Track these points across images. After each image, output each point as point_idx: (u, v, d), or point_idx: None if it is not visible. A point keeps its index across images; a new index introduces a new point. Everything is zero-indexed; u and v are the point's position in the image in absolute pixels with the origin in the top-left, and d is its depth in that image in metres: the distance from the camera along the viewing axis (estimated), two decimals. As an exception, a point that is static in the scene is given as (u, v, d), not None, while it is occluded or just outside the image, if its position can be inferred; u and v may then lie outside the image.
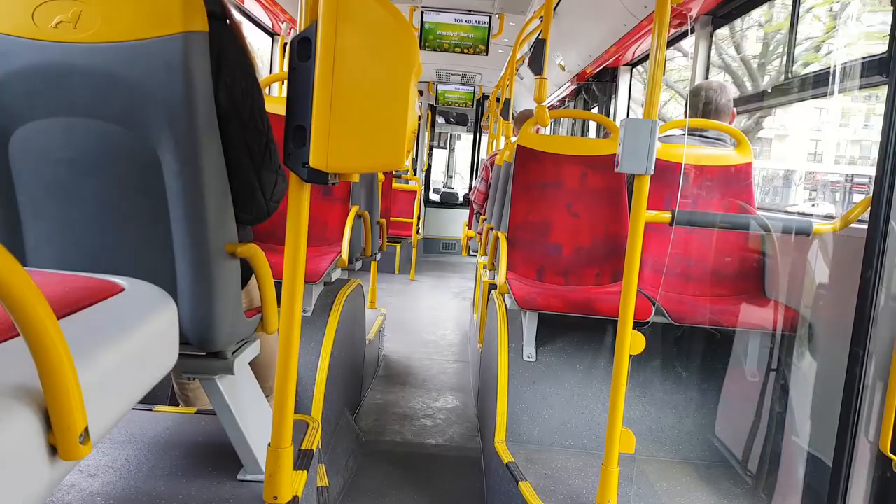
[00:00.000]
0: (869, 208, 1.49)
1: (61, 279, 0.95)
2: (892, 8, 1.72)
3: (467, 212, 7.53)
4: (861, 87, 2.08)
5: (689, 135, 2.76)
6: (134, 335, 0.87)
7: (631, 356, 1.67)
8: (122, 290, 0.97)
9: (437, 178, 12.01)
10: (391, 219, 6.96)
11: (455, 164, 12.52)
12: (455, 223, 9.68)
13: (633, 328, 1.66)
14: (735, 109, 2.79)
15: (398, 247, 7.72)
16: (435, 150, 11.20)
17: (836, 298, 2.03)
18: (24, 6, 1.19)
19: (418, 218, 7.73)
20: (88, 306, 0.88)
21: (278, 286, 1.35)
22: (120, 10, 1.17)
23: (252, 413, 1.55)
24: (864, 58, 2.02)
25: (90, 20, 1.17)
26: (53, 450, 0.68)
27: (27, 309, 0.62)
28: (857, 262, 1.50)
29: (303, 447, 1.76)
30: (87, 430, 0.69)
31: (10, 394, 0.66)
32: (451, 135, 11.93)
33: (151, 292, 1.00)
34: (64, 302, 0.85)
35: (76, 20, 1.18)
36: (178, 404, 2.14)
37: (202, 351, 1.41)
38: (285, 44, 4.55)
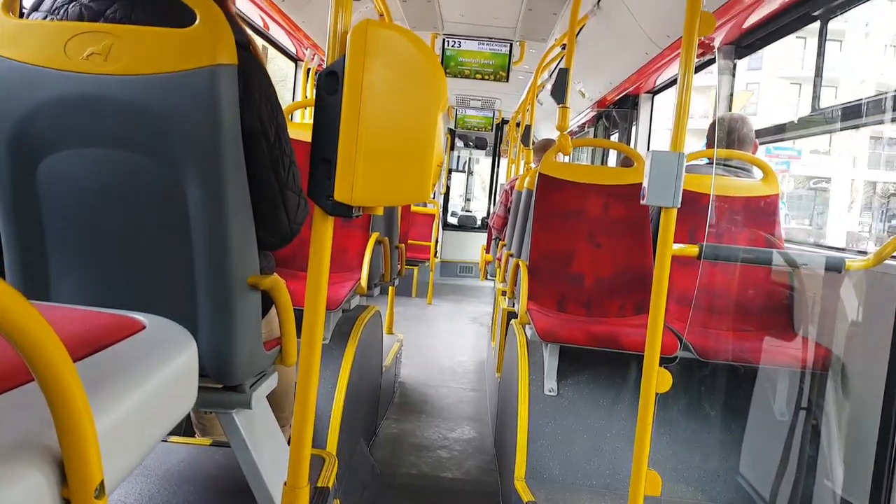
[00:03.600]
0: None
1: (82, 316, 0.93)
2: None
3: (485, 235, 7.51)
4: (893, 121, 2.04)
5: (712, 165, 2.72)
6: (154, 376, 0.84)
7: (657, 393, 1.63)
8: (143, 327, 0.95)
9: (456, 201, 12.01)
10: (409, 242, 6.95)
11: (473, 188, 12.52)
12: (473, 247, 9.65)
13: (660, 365, 1.62)
14: (757, 141, 2.76)
15: (415, 270, 7.69)
16: (454, 174, 11.21)
17: (870, 337, 1.98)
18: (57, 38, 1.20)
19: (436, 241, 7.71)
20: (109, 345, 0.86)
21: (298, 313, 1.33)
22: (150, 42, 1.18)
23: (268, 449, 1.52)
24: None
25: (120, 53, 1.18)
26: (66, 503, 0.65)
27: (41, 354, 0.60)
28: (892, 299, 1.46)
29: (318, 484, 1.72)
30: (102, 483, 0.67)
31: (24, 443, 0.63)
32: (469, 158, 11.95)
33: (172, 330, 0.98)
34: (84, 341, 0.83)
35: (107, 52, 1.18)
36: (193, 432, 2.11)
37: (219, 384, 1.38)
38: (308, 70, 4.58)
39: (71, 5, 1.27)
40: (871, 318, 2.00)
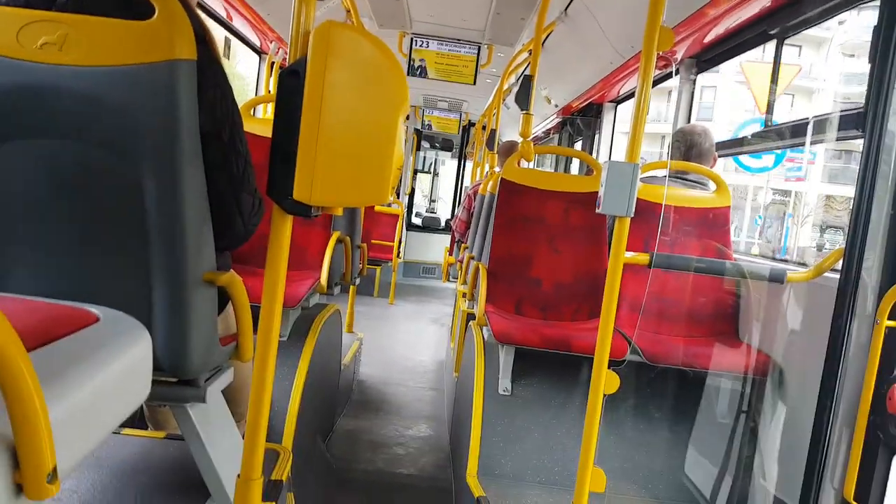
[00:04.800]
0: (842, 259, 1.51)
1: (34, 307, 0.94)
2: (869, 65, 1.76)
3: (449, 237, 7.54)
4: (837, 139, 2.12)
5: (670, 177, 2.79)
6: (107, 368, 0.86)
7: (605, 394, 1.68)
8: (97, 319, 0.96)
9: (421, 202, 12.02)
10: (372, 241, 6.94)
11: (438, 190, 12.54)
12: (436, 248, 9.67)
13: (609, 367, 1.67)
14: (716, 154, 2.83)
15: (378, 269, 7.68)
16: (419, 174, 11.22)
17: (807, 345, 2.06)
18: (9, 26, 1.17)
19: (399, 242, 7.72)
20: (62, 337, 0.87)
21: (255, 309, 1.34)
22: (107, 34, 1.17)
23: (222, 442, 1.53)
24: (841, 111, 2.06)
25: (76, 43, 1.16)
26: (19, 488, 0.67)
27: None
28: (829, 310, 1.53)
29: (272, 477, 1.74)
30: (55, 468, 0.68)
31: None
32: (436, 160, 11.97)
33: (126, 322, 0.99)
34: (36, 332, 0.84)
35: (62, 42, 1.17)
36: (147, 426, 2.11)
37: (174, 378, 1.39)
38: (272, 63, 4.55)
39: None
40: (808, 327, 2.08)
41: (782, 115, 2.74)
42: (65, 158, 1.23)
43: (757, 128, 2.88)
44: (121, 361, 0.89)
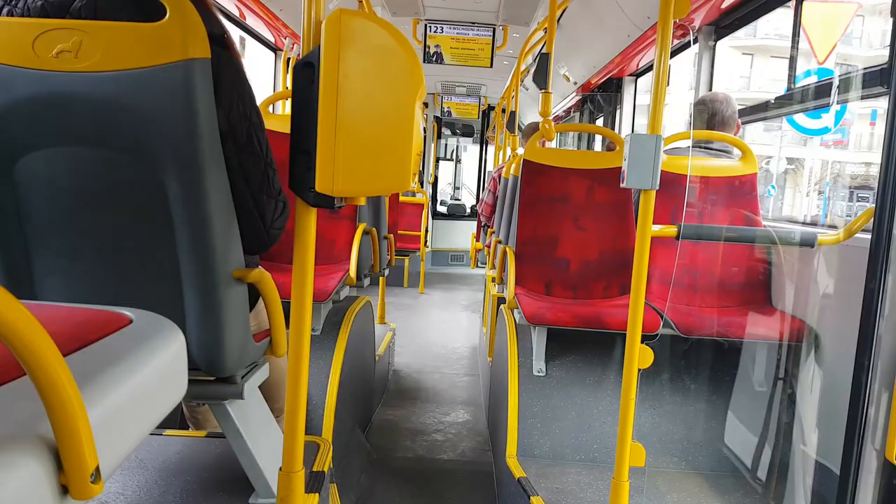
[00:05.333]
0: (872, 219, 1.48)
1: (69, 313, 0.96)
2: (892, 19, 1.72)
3: (475, 223, 7.54)
4: (862, 98, 2.07)
5: (694, 147, 2.75)
6: (143, 368, 0.87)
7: (640, 369, 1.67)
8: (130, 321, 0.97)
9: (445, 189, 12.01)
10: (399, 232, 6.95)
11: (462, 176, 12.53)
12: (463, 235, 9.66)
13: (642, 342, 1.66)
14: (740, 121, 2.78)
15: (406, 260, 7.71)
16: (441, 162, 11.20)
17: (841, 308, 2.03)
18: (25, 36, 1.18)
19: (426, 231, 7.74)
20: (97, 340, 0.88)
21: (286, 306, 1.34)
22: (120, 38, 1.17)
23: (262, 437, 1.55)
24: (864, 68, 2.01)
25: (91, 49, 1.17)
26: (65, 490, 0.68)
27: (32, 350, 0.62)
28: (862, 272, 1.50)
29: (314, 469, 1.75)
30: (98, 468, 0.69)
31: (20, 434, 0.66)
32: (457, 146, 11.94)
33: (159, 323, 1.00)
34: (72, 337, 0.85)
35: (77, 49, 1.17)
36: (187, 427, 2.14)
37: (211, 376, 1.41)
38: (288, 59, 4.57)
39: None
40: (842, 289, 2.05)
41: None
42: (88, 165, 1.24)
43: (816, 80, 2.80)
44: (155, 361, 0.91)
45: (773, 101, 2.88)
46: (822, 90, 2.40)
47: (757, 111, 3.09)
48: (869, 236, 1.49)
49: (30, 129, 1.22)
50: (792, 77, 2.71)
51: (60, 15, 1.22)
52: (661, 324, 2.30)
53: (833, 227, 2.07)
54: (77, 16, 1.22)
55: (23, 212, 1.29)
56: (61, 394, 0.65)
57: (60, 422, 0.66)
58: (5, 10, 1.24)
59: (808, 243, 1.98)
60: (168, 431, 1.95)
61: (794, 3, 2.69)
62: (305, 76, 1.14)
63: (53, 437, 0.67)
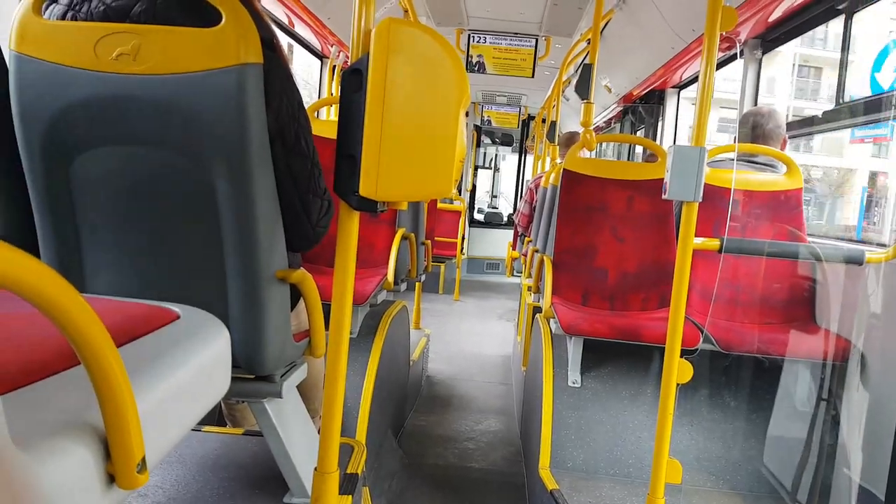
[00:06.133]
0: None
1: (119, 307, 0.98)
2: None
3: (511, 232, 7.52)
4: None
5: (738, 160, 2.72)
6: (189, 363, 0.89)
7: (678, 384, 1.65)
8: (178, 317, 1.00)
9: (482, 197, 12.02)
10: (435, 238, 6.97)
11: (500, 185, 12.53)
12: (499, 243, 9.65)
13: (681, 356, 1.64)
14: (787, 135, 2.75)
15: (442, 266, 7.73)
16: (480, 171, 11.22)
17: (889, 328, 1.98)
18: (87, 39, 1.23)
19: (462, 238, 7.74)
20: (146, 334, 0.91)
21: (325, 307, 1.36)
22: (177, 42, 1.21)
23: (299, 437, 1.56)
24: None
25: (149, 53, 1.21)
26: (111, 478, 0.70)
27: (89, 340, 0.64)
28: None
29: (348, 471, 1.77)
30: (144, 459, 0.71)
31: (71, 422, 0.68)
32: (496, 155, 11.95)
33: (206, 320, 1.02)
34: (122, 330, 0.88)
35: (136, 53, 1.21)
36: (225, 423, 2.17)
37: (251, 374, 1.43)
38: (334, 67, 4.62)
39: (93, 3, 1.28)
40: (890, 309, 2.00)
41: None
42: (142, 164, 1.28)
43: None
44: (202, 357, 0.93)
45: (820, 116, 2.84)
46: (872, 106, 2.36)
47: (804, 125, 3.04)
48: None
49: (88, 129, 1.26)
50: (841, 91, 2.66)
51: (121, 19, 1.26)
52: (701, 338, 2.27)
53: (882, 245, 2.03)
54: (137, 20, 1.26)
55: (77, 207, 1.34)
56: (113, 384, 0.67)
57: (111, 411, 0.68)
58: (69, 15, 1.28)
59: (855, 261, 1.94)
60: (207, 428, 1.99)
61: (844, 16, 2.65)
62: (353, 82, 1.16)
63: (103, 426, 0.69)
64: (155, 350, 0.88)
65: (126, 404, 0.68)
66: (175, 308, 1.02)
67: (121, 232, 1.35)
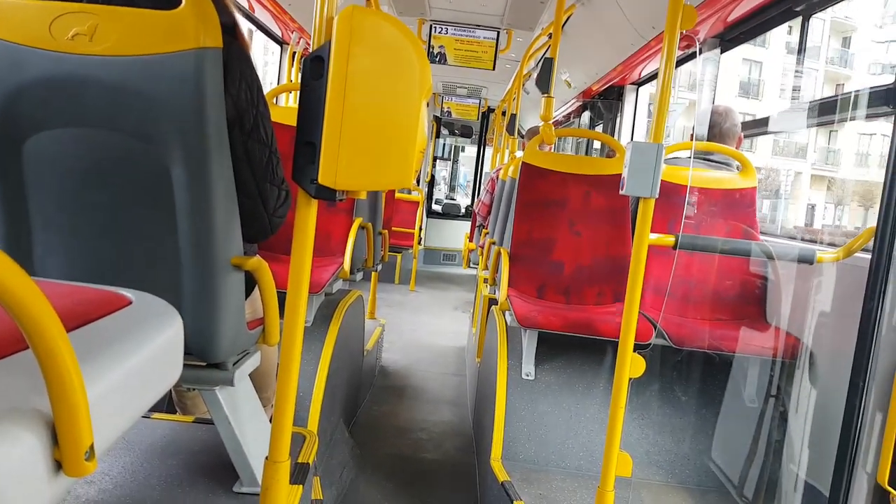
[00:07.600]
0: (872, 238, 1.49)
1: (70, 291, 0.96)
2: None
3: (469, 223, 7.54)
4: (867, 117, 2.09)
5: (694, 158, 2.77)
6: (141, 349, 0.87)
7: (630, 378, 1.67)
8: (130, 303, 0.98)
9: (441, 188, 12.02)
10: (393, 228, 6.95)
11: (458, 176, 12.54)
12: (456, 235, 9.67)
13: (634, 351, 1.66)
14: (742, 134, 2.80)
15: (399, 257, 7.71)
16: (438, 162, 11.20)
17: (838, 327, 2.04)
18: (42, 18, 1.20)
19: (420, 228, 7.73)
20: (97, 319, 0.89)
21: (280, 295, 1.35)
22: (135, 24, 1.19)
23: (250, 425, 1.55)
24: (871, 87, 2.02)
25: (106, 34, 1.19)
26: (58, 465, 0.68)
27: (38, 324, 0.62)
28: (860, 291, 1.51)
29: (299, 461, 1.76)
30: (92, 446, 0.70)
31: (18, 408, 0.66)
32: (455, 146, 11.95)
33: (158, 306, 1.01)
34: (73, 314, 0.86)
35: (92, 33, 1.19)
36: (175, 411, 2.14)
37: (203, 361, 1.41)
38: (294, 53, 4.57)
39: None
40: (839, 308, 2.06)
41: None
42: (95, 147, 1.25)
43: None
44: (154, 343, 0.91)
45: (776, 116, 2.90)
46: (826, 108, 2.42)
47: (759, 125, 3.11)
48: (868, 255, 1.50)
49: (41, 109, 1.23)
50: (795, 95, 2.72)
51: None
52: (654, 333, 2.31)
53: (832, 244, 2.09)
54: (94, 0, 1.23)
55: (29, 189, 1.31)
56: (62, 369, 0.65)
57: (59, 397, 0.66)
58: None
59: (806, 260, 1.99)
60: (156, 415, 1.95)
61: (800, 18, 2.71)
62: (315, 70, 1.15)
63: (51, 412, 0.67)
64: (106, 335, 0.86)
65: (75, 390, 0.67)
66: (127, 293, 1.00)
67: (73, 215, 1.32)
